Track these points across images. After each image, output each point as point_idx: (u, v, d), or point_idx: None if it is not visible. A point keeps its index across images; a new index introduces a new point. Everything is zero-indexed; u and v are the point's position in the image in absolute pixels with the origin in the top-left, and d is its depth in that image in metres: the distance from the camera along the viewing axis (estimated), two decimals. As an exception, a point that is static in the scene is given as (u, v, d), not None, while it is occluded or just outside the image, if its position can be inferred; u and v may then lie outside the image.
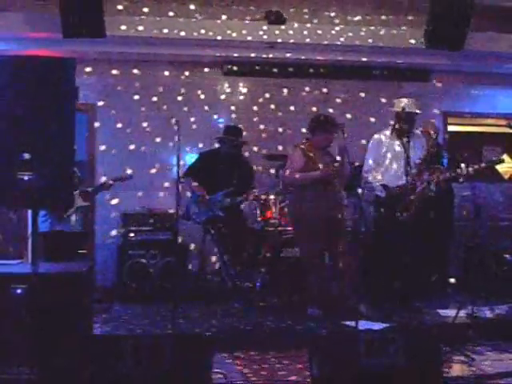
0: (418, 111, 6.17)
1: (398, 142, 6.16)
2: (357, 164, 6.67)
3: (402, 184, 6.00)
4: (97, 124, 7.77)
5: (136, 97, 7.82)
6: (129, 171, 7.24)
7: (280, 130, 8.04)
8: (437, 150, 6.83)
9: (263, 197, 6.88)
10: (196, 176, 6.64)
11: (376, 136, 6.42)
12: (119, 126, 7.78)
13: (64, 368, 3.73)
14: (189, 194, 6.79)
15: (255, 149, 7.77)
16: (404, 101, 6.20)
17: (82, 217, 6.86)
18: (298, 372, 4.52)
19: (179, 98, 7.92)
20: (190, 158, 7.41)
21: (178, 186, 5.19)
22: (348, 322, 5.35)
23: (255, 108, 8.08)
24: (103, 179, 6.98)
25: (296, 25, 7.15)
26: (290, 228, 6.76)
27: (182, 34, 7.03)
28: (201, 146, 7.59)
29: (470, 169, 6.05)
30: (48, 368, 3.77)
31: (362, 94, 8.28)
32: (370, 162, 6.28)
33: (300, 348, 4.85)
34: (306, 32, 7.23)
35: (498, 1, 6.90)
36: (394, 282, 6.58)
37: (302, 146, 6.12)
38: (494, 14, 7.04)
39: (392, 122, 6.26)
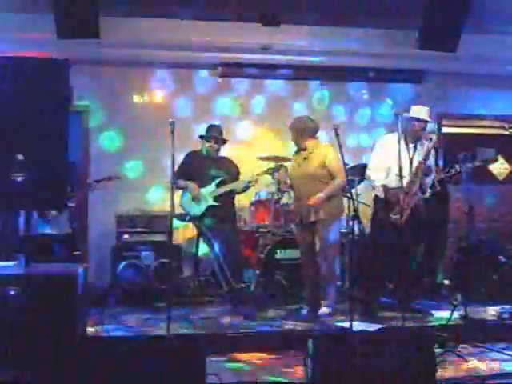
0: (426, 118, 6.06)
1: (404, 146, 6.13)
2: (350, 166, 6.69)
3: (399, 187, 6.00)
4: (91, 125, 7.77)
5: (130, 98, 7.82)
6: (122, 172, 7.24)
7: (276, 131, 8.06)
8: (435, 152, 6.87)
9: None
10: (185, 176, 6.66)
11: (385, 136, 6.44)
12: (113, 127, 7.78)
13: (58, 369, 3.72)
14: (182, 192, 6.76)
15: (250, 150, 7.78)
16: (415, 108, 6.19)
17: (70, 218, 6.86)
18: (293, 373, 4.52)
19: (174, 100, 7.93)
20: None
21: (172, 187, 5.19)
22: (342, 323, 5.36)
23: (250, 110, 8.10)
24: (89, 180, 6.99)
25: (291, 27, 7.15)
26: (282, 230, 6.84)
27: (178, 36, 7.03)
28: (196, 147, 7.58)
29: (465, 167, 6.08)
30: (42, 369, 3.76)
31: (356, 96, 8.32)
32: (374, 161, 6.27)
33: (295, 349, 4.85)
34: (300, 34, 7.24)
35: (492, 3, 6.91)
36: (389, 283, 6.63)
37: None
38: (488, 16, 7.05)
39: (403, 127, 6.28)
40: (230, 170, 6.75)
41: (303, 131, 6.11)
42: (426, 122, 6.06)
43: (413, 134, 6.00)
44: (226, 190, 6.58)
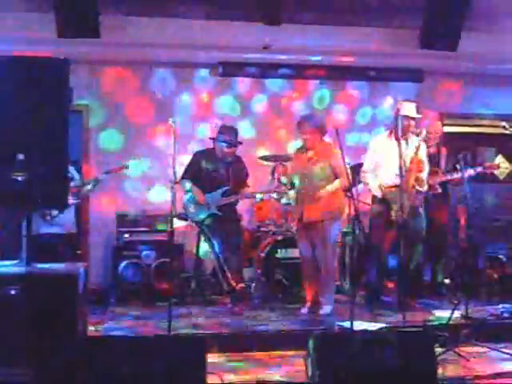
0: (414, 115, 6.14)
1: (395, 144, 6.14)
2: (350, 165, 6.68)
3: (396, 185, 6.01)
4: (91, 124, 7.77)
5: (130, 97, 7.82)
6: (123, 171, 7.22)
7: (276, 130, 8.05)
8: (437, 150, 6.88)
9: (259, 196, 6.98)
10: (193, 176, 6.61)
11: (376, 137, 6.51)
12: (113, 126, 7.78)
13: (58, 369, 3.72)
14: (185, 194, 6.73)
15: (251, 150, 7.77)
16: (403, 104, 6.21)
17: (74, 216, 6.85)
18: (293, 372, 4.52)
19: (175, 99, 7.92)
20: (186, 158, 7.40)
21: (173, 187, 5.18)
22: (343, 323, 5.36)
23: (251, 109, 8.10)
24: (98, 175, 6.97)
25: (291, 26, 7.14)
26: (283, 229, 6.85)
27: (178, 35, 7.02)
28: (197, 146, 7.58)
29: (466, 173, 6.14)
30: (42, 369, 3.76)
31: (357, 95, 8.32)
32: (369, 162, 6.31)
33: (295, 348, 4.85)
34: (300, 33, 7.22)
35: (492, 2, 6.91)
36: (389, 282, 6.63)
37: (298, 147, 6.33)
38: (489, 15, 7.04)
39: (392, 125, 6.29)
40: (238, 173, 6.62)
41: (319, 131, 6.00)
42: (414, 118, 6.13)
43: (402, 130, 6.02)
44: (230, 201, 6.55)
